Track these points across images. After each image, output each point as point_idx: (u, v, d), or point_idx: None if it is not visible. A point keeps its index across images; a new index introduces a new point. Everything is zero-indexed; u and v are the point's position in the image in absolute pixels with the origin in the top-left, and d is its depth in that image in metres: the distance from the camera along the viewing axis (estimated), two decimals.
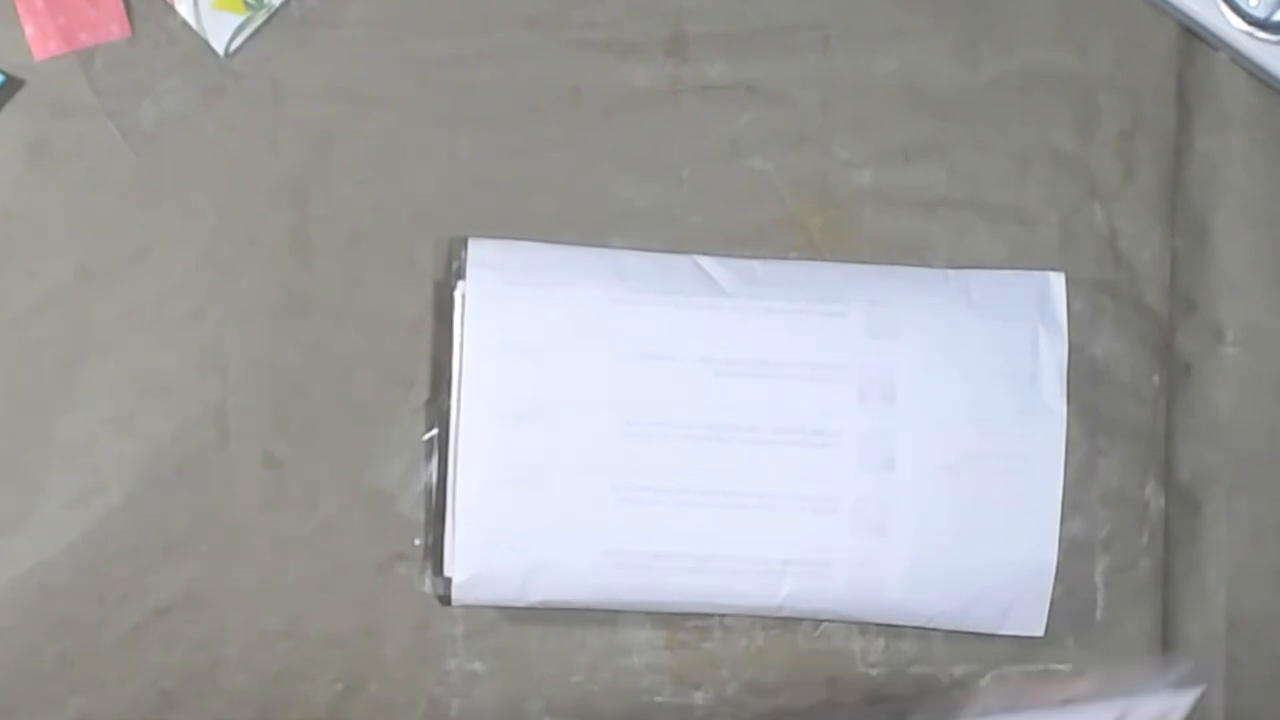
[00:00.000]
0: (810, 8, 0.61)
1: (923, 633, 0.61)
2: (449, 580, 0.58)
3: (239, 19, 0.59)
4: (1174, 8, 0.61)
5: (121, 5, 0.59)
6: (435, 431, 0.59)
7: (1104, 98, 0.62)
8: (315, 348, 0.60)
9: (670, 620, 0.60)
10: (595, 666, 0.60)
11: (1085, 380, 0.61)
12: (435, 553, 0.59)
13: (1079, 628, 0.61)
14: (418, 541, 0.59)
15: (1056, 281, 0.60)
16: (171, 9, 0.59)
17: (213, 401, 0.59)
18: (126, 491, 0.59)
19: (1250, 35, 0.60)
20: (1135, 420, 0.62)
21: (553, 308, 0.58)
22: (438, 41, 0.60)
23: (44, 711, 0.58)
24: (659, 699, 0.60)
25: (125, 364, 0.59)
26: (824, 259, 0.60)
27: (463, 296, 0.58)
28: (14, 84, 0.58)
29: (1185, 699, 0.55)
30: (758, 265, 0.59)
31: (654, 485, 0.58)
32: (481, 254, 0.59)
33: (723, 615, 0.58)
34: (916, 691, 0.59)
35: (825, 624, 0.59)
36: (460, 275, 0.59)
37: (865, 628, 0.61)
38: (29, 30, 0.58)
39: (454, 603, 0.58)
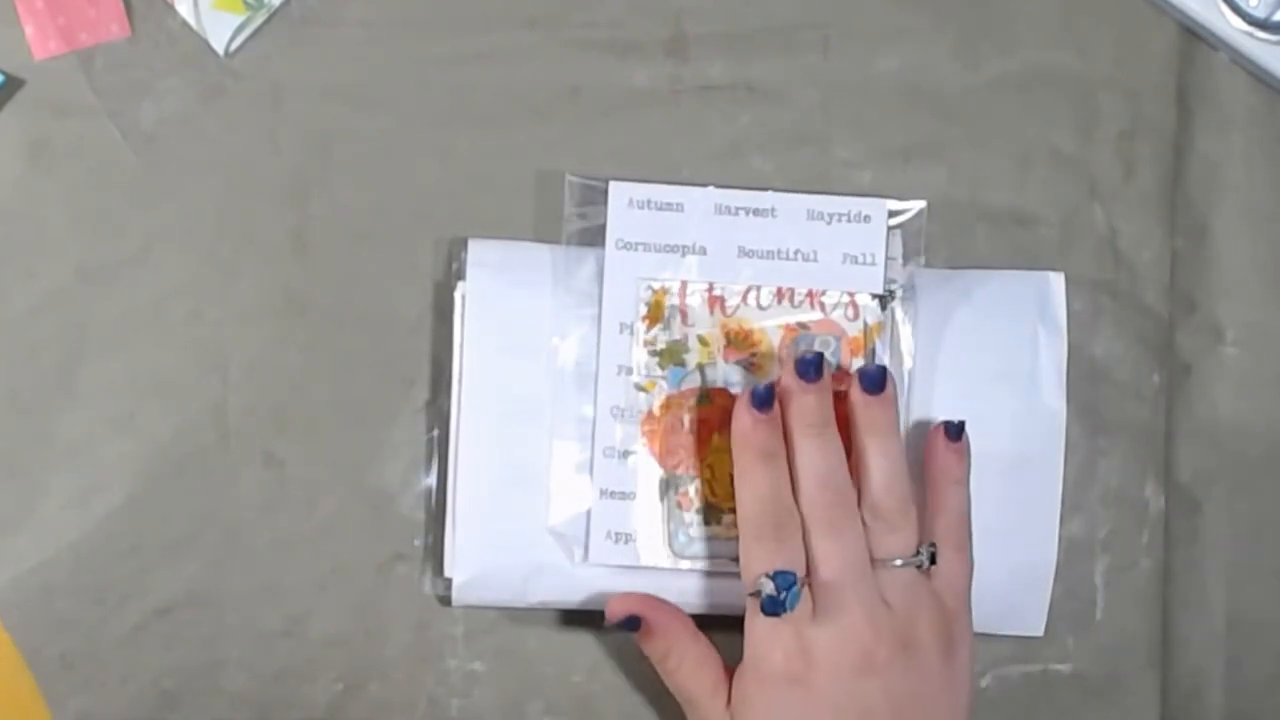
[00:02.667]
0: (810, 8, 0.61)
1: None
2: (449, 581, 0.58)
3: (239, 19, 0.59)
4: (1174, 8, 0.61)
5: (121, 5, 0.59)
6: (435, 432, 0.59)
7: (1104, 98, 0.62)
8: (315, 348, 0.60)
9: None
10: (595, 666, 0.60)
11: (1085, 380, 0.61)
12: (435, 553, 0.59)
13: (1079, 628, 0.61)
14: (417, 542, 0.59)
15: (1056, 281, 0.60)
16: (171, 9, 0.59)
17: (213, 401, 0.59)
18: (127, 491, 0.59)
19: (1250, 35, 0.60)
20: (1135, 420, 0.62)
21: (552, 309, 0.58)
22: (438, 41, 0.60)
23: None
24: (659, 699, 0.60)
25: (125, 364, 0.59)
26: None
27: (463, 297, 0.58)
28: (14, 84, 0.58)
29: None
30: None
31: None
32: (481, 254, 0.59)
33: (722, 615, 0.58)
34: None
35: None
36: (460, 275, 0.59)
37: None
38: (29, 30, 0.58)
39: (454, 603, 0.58)
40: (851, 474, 0.55)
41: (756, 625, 0.54)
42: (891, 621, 0.54)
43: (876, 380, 0.55)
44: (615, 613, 0.57)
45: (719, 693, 0.56)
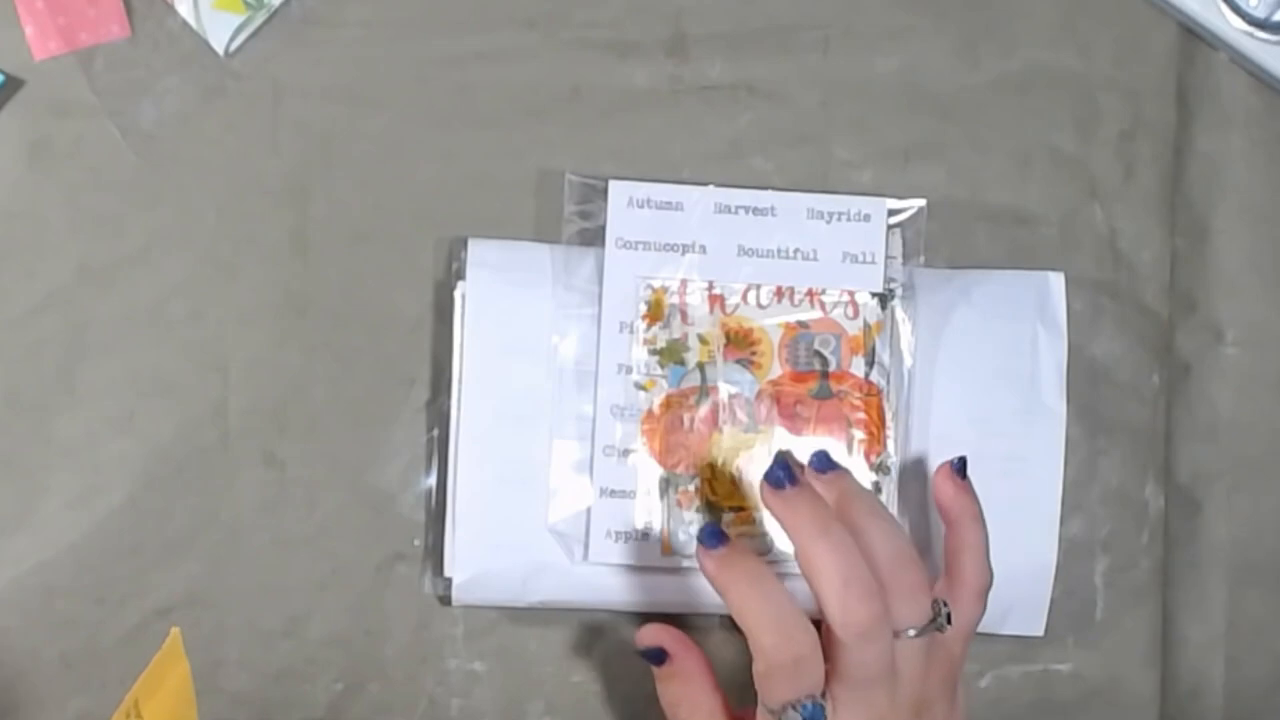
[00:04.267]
0: (810, 8, 0.61)
1: None
2: (449, 580, 0.58)
3: (239, 19, 0.59)
4: (1174, 8, 0.61)
5: (121, 5, 0.59)
6: (435, 432, 0.59)
7: (1104, 98, 0.62)
8: (315, 348, 0.60)
9: (670, 621, 0.60)
10: (595, 666, 0.60)
11: (1085, 380, 0.61)
12: (435, 553, 0.59)
13: (1079, 628, 0.61)
14: (417, 542, 0.59)
15: (1056, 281, 0.60)
16: (171, 9, 0.59)
17: (213, 401, 0.59)
18: (127, 491, 0.59)
19: (1250, 35, 0.60)
20: (1135, 420, 0.62)
21: (552, 308, 0.58)
22: (438, 41, 0.60)
23: (44, 711, 0.58)
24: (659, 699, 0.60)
25: (125, 364, 0.59)
26: None
27: (463, 296, 0.58)
28: (14, 84, 0.58)
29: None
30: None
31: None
32: (481, 254, 0.59)
33: (722, 615, 0.58)
34: None
35: None
36: (460, 275, 0.59)
37: None
38: (29, 30, 0.58)
39: (454, 603, 0.58)
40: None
41: None
42: (908, 693, 0.52)
43: (823, 461, 0.54)
44: (644, 640, 0.56)
45: None
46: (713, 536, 0.53)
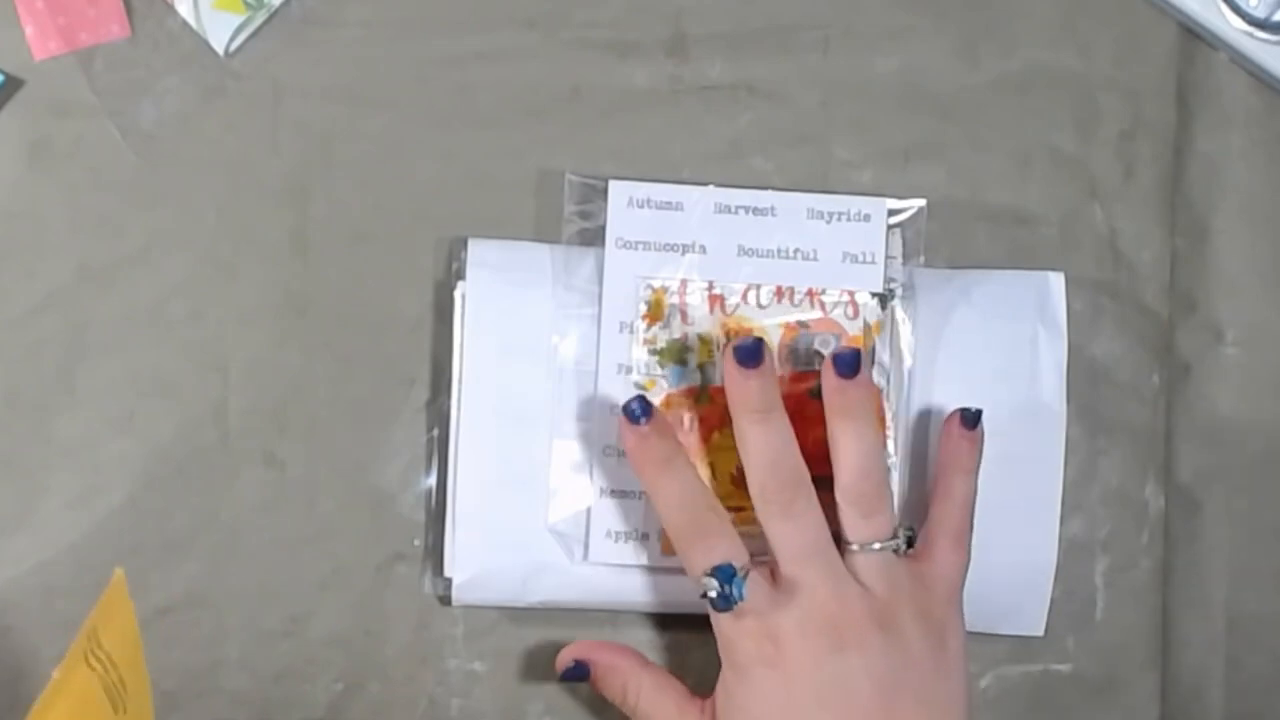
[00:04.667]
0: (810, 8, 0.61)
1: None
2: (449, 580, 0.58)
3: (239, 19, 0.59)
4: (1174, 8, 0.61)
5: (121, 5, 0.59)
6: (435, 432, 0.59)
7: (1104, 98, 0.62)
8: (315, 348, 0.60)
9: (670, 620, 0.60)
10: None
11: (1085, 380, 0.61)
12: (435, 553, 0.59)
13: (1079, 628, 0.61)
14: (417, 542, 0.59)
15: (1056, 281, 0.60)
16: (171, 9, 0.59)
17: (213, 401, 0.59)
18: (127, 491, 0.59)
19: (1250, 35, 0.60)
20: (1135, 420, 0.62)
21: (552, 308, 0.58)
22: (438, 41, 0.60)
23: None
24: None
25: (125, 364, 0.59)
26: None
27: (463, 296, 0.58)
28: (14, 84, 0.58)
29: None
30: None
31: None
32: (481, 254, 0.59)
33: None
34: None
35: None
36: (460, 275, 0.59)
37: None
38: (29, 30, 0.58)
39: (454, 603, 0.58)
40: (808, 459, 0.54)
41: (721, 624, 0.54)
42: (865, 601, 0.53)
43: (850, 363, 0.54)
44: (562, 663, 0.57)
45: (686, 712, 0.55)
46: (640, 409, 0.54)
